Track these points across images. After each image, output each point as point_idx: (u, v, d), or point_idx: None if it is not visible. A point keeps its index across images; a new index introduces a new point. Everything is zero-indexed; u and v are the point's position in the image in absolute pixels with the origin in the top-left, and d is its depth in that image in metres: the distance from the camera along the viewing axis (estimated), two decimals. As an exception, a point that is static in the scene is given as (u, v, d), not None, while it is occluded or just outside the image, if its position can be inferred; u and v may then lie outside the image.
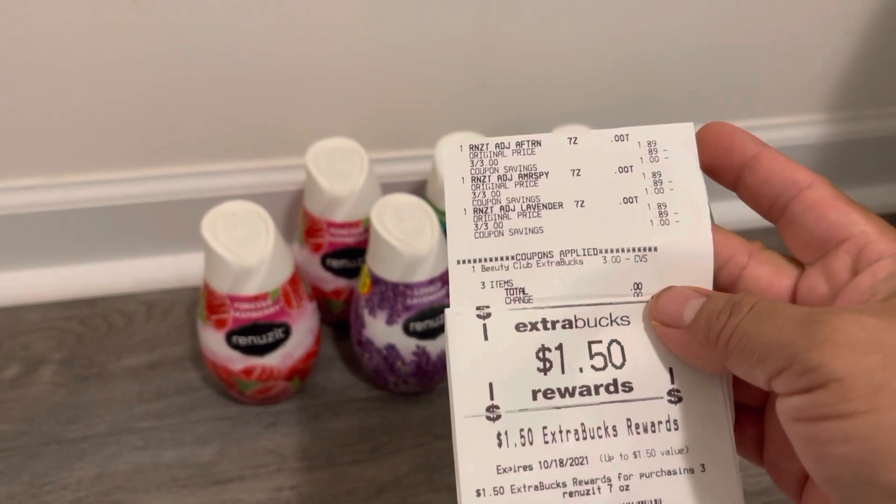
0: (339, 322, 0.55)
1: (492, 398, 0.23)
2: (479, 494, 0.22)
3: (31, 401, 0.51)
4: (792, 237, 0.23)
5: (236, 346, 0.46)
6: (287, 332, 0.47)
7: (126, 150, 0.55)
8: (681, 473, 0.23)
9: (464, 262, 0.24)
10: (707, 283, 0.24)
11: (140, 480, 0.47)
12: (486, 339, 0.23)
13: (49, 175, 0.55)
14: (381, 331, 0.47)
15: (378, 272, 0.46)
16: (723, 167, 0.24)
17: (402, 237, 0.45)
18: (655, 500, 0.22)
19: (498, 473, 0.22)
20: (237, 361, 0.47)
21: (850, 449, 0.18)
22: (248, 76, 0.52)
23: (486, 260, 0.24)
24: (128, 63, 0.50)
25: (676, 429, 0.23)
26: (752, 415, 0.24)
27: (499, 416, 0.23)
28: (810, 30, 0.58)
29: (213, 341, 0.47)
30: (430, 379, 0.50)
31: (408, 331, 0.47)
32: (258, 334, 0.46)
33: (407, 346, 0.48)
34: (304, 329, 0.48)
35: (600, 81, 0.58)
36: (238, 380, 0.48)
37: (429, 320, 0.47)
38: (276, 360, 0.47)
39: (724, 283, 0.24)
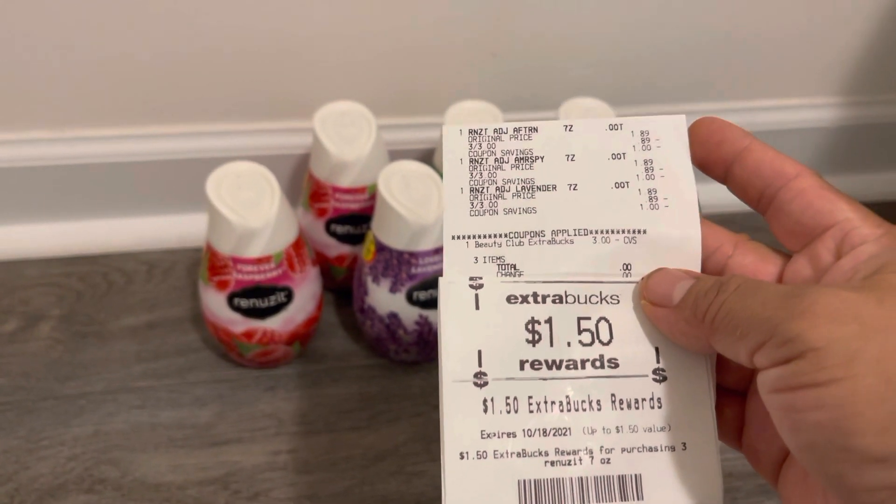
0: (340, 289, 0.55)
1: (480, 365, 0.23)
2: (462, 457, 0.23)
3: (29, 356, 0.51)
4: (779, 226, 0.23)
5: (238, 309, 0.46)
6: (289, 295, 0.46)
7: (132, 107, 0.54)
8: (662, 451, 0.23)
9: (458, 237, 0.25)
10: (695, 268, 0.24)
11: (137, 439, 0.47)
12: (477, 308, 0.24)
13: (53, 129, 0.54)
14: (384, 299, 0.47)
15: (383, 239, 0.46)
16: (714, 160, 0.24)
17: (409, 205, 0.44)
18: (636, 476, 0.23)
19: (482, 438, 0.23)
20: (238, 324, 0.46)
21: (824, 415, 0.18)
22: (257, 36, 0.51)
23: (479, 236, 0.25)
24: (136, 19, 0.49)
25: (660, 407, 0.23)
26: (732, 398, 0.25)
27: (486, 383, 0.23)
28: (828, 12, 0.57)
29: (215, 303, 0.46)
30: (431, 349, 0.50)
31: (411, 300, 0.47)
32: (260, 297, 0.46)
33: (409, 314, 0.47)
34: (306, 293, 0.48)
35: (613, 57, 0.57)
36: (238, 342, 0.47)
37: (432, 290, 0.47)
38: (277, 324, 0.47)
39: (711, 272, 0.24)
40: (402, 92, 0.56)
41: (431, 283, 0.46)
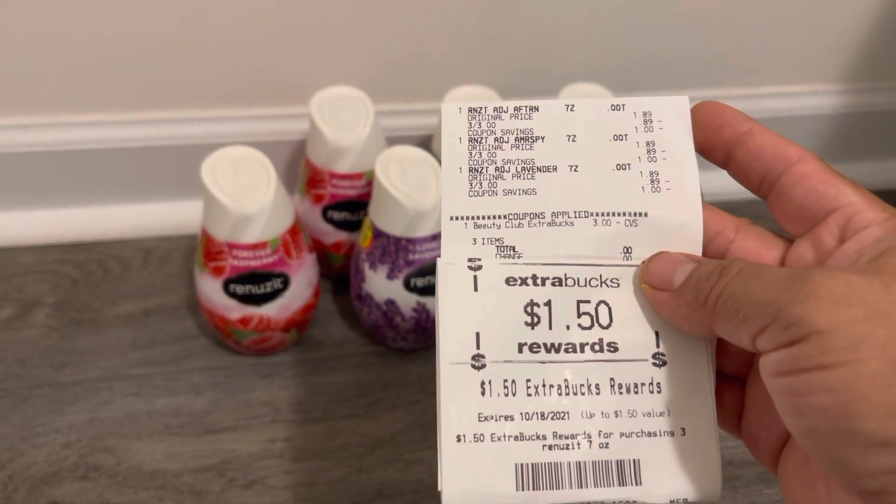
0: (338, 276, 0.54)
1: (478, 347, 0.23)
2: (459, 440, 0.22)
3: (23, 343, 0.50)
4: (782, 211, 0.23)
5: (233, 295, 0.45)
6: (286, 282, 0.46)
7: (127, 92, 0.53)
8: (661, 436, 0.23)
9: (457, 218, 0.24)
10: (697, 251, 0.24)
11: (133, 427, 0.47)
12: (475, 290, 0.24)
13: (47, 114, 0.54)
14: (382, 285, 0.47)
15: (380, 226, 0.45)
16: (715, 144, 0.24)
17: (407, 191, 0.44)
18: (634, 460, 0.23)
19: (479, 421, 0.23)
20: (234, 310, 0.46)
21: (829, 399, 0.18)
22: (254, 20, 0.51)
23: (478, 217, 0.24)
24: (131, 3, 0.49)
25: (659, 391, 0.23)
26: (732, 384, 0.25)
27: (484, 366, 0.23)
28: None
29: (210, 289, 0.46)
30: (428, 336, 0.49)
31: (408, 286, 0.46)
32: (256, 283, 0.45)
33: (407, 301, 0.47)
34: (303, 280, 0.47)
35: (612, 40, 0.56)
36: (234, 329, 0.47)
37: (430, 276, 0.46)
38: (273, 311, 0.46)
39: (713, 256, 0.24)
40: (400, 77, 0.55)
41: (429, 269, 0.46)
